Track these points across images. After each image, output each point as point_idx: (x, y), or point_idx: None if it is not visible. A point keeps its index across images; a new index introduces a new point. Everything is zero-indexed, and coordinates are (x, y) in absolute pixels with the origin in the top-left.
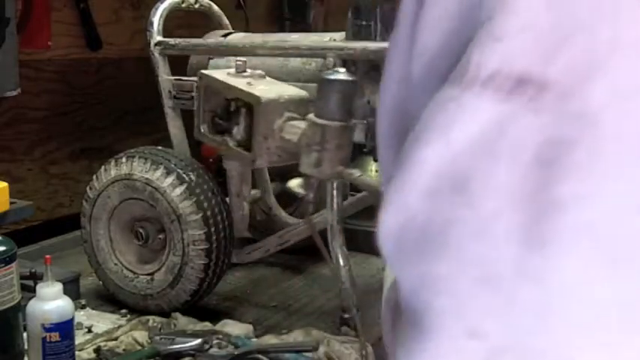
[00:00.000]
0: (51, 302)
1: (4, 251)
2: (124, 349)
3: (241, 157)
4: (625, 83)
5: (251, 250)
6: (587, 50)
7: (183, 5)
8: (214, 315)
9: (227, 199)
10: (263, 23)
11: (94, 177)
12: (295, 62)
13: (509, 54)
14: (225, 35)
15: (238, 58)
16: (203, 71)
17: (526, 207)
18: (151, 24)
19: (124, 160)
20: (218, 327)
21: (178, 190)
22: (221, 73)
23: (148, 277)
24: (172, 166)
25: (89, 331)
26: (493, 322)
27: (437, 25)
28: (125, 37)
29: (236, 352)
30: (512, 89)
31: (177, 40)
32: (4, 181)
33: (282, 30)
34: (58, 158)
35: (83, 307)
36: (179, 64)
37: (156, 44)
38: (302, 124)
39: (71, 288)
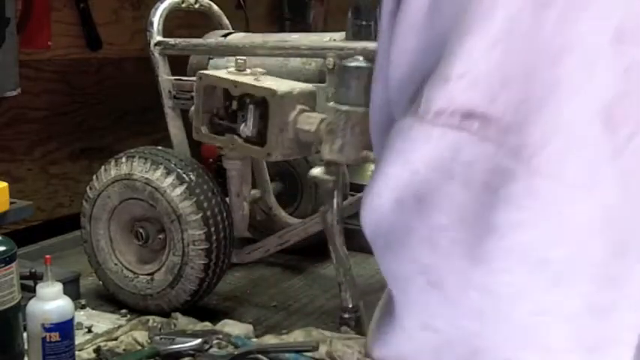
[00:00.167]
0: (51, 302)
1: (4, 251)
2: (124, 349)
3: (254, 152)
4: (562, 124)
5: (251, 250)
6: (525, 92)
7: (183, 5)
8: (214, 315)
9: (227, 199)
10: (263, 23)
11: (94, 177)
12: (295, 62)
13: (454, 95)
14: (225, 35)
15: (238, 57)
16: (202, 71)
17: (471, 226)
18: (151, 24)
19: (124, 160)
20: (218, 327)
21: (178, 190)
22: (221, 72)
23: (148, 277)
24: (172, 166)
25: (89, 331)
26: (443, 322)
27: (403, 57)
28: (125, 37)
29: (236, 352)
30: (462, 121)
31: (177, 40)
32: (4, 181)
33: (282, 30)
34: (58, 158)
35: (83, 307)
36: (179, 64)
37: (156, 44)
38: (317, 115)
39: (71, 288)
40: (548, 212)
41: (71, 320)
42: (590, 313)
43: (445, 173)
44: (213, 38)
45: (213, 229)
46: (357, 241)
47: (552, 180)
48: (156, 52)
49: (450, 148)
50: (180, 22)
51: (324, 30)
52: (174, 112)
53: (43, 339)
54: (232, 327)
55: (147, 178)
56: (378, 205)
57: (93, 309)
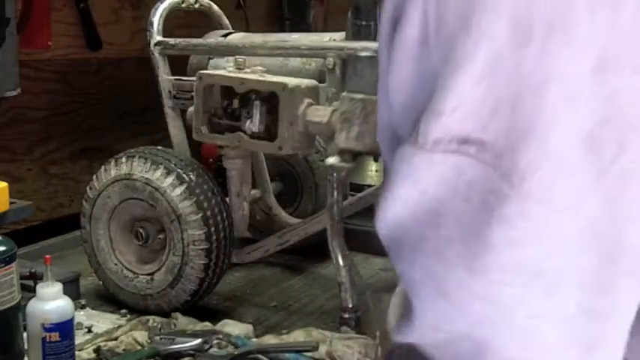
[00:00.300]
0: (51, 302)
1: (4, 251)
2: (124, 349)
3: (264, 147)
4: (550, 150)
5: (251, 250)
6: (513, 121)
7: (183, 5)
8: (214, 315)
9: (227, 199)
10: (263, 23)
11: (94, 177)
12: (295, 62)
13: (448, 126)
14: (225, 35)
15: (238, 57)
16: (203, 71)
17: (471, 241)
18: (151, 24)
19: (124, 160)
20: (218, 327)
21: (178, 190)
22: (221, 72)
23: (148, 277)
24: (172, 166)
25: (89, 331)
26: (451, 326)
27: (401, 86)
28: (125, 37)
29: (236, 352)
30: (459, 146)
31: (177, 40)
32: (4, 181)
33: (282, 30)
34: (58, 158)
35: (83, 307)
36: (179, 64)
37: (156, 44)
38: (326, 107)
39: (71, 288)
40: (540, 233)
41: (71, 320)
42: (582, 316)
43: (451, 190)
44: (213, 38)
45: (213, 229)
46: (357, 241)
47: (542, 205)
48: (156, 52)
49: (452, 170)
50: (180, 22)
51: (324, 30)
52: (174, 112)
53: (43, 339)
54: (232, 327)
55: (147, 178)
56: (392, 216)
57: (93, 309)
